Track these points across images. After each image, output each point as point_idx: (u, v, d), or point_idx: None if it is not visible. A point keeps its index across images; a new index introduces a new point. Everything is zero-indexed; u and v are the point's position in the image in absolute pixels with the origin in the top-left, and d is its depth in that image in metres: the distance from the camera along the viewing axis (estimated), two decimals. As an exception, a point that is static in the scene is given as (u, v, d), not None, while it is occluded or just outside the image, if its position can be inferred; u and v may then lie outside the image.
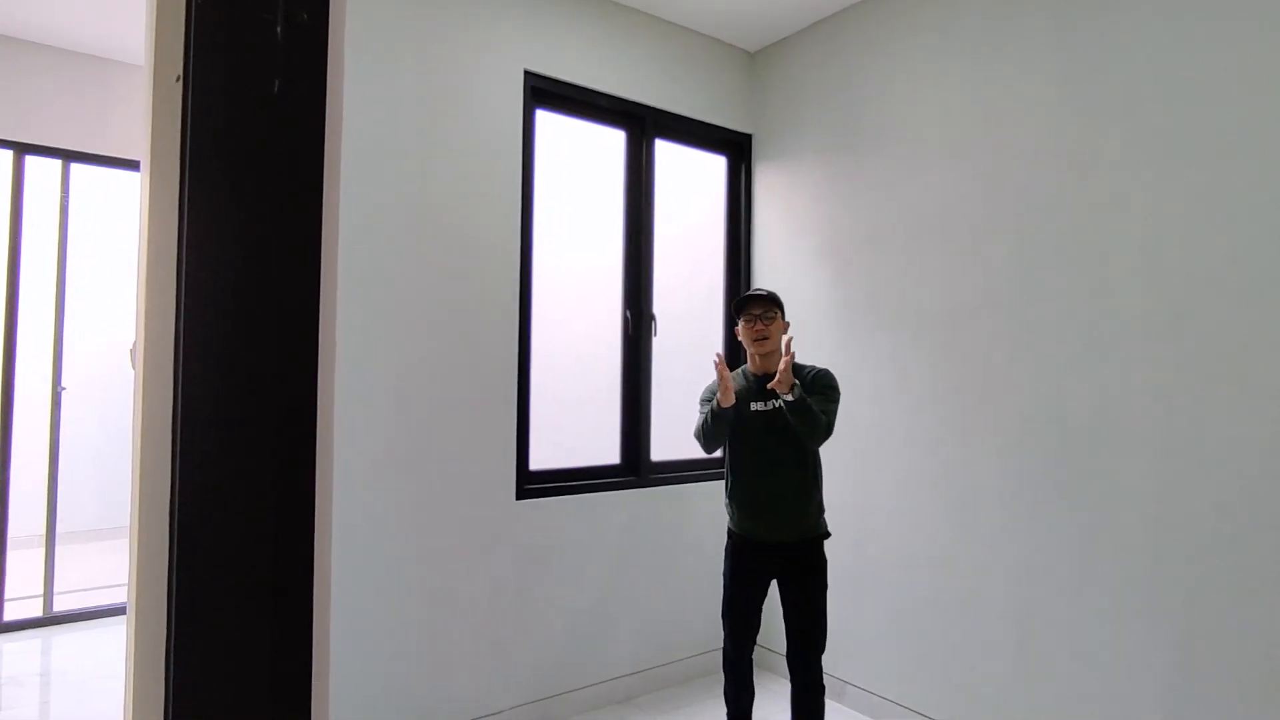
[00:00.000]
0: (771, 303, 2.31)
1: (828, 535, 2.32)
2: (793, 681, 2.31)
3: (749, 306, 2.32)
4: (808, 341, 3.19)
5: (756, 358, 2.35)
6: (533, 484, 2.85)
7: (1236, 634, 1.95)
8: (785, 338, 2.24)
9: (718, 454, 2.46)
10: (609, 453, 3.16)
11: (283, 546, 0.80)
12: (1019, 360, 2.45)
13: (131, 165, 3.99)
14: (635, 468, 3.16)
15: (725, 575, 2.41)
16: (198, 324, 0.83)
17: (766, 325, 2.29)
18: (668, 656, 3.17)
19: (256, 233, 0.85)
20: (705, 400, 2.39)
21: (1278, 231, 1.90)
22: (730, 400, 2.22)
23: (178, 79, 0.84)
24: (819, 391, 2.26)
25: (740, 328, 2.35)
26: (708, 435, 2.29)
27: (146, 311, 0.84)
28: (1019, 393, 2.45)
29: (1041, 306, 2.39)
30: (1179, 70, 2.09)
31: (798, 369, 2.34)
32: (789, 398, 2.10)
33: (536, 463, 2.89)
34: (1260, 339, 1.93)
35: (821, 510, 2.33)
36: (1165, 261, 2.11)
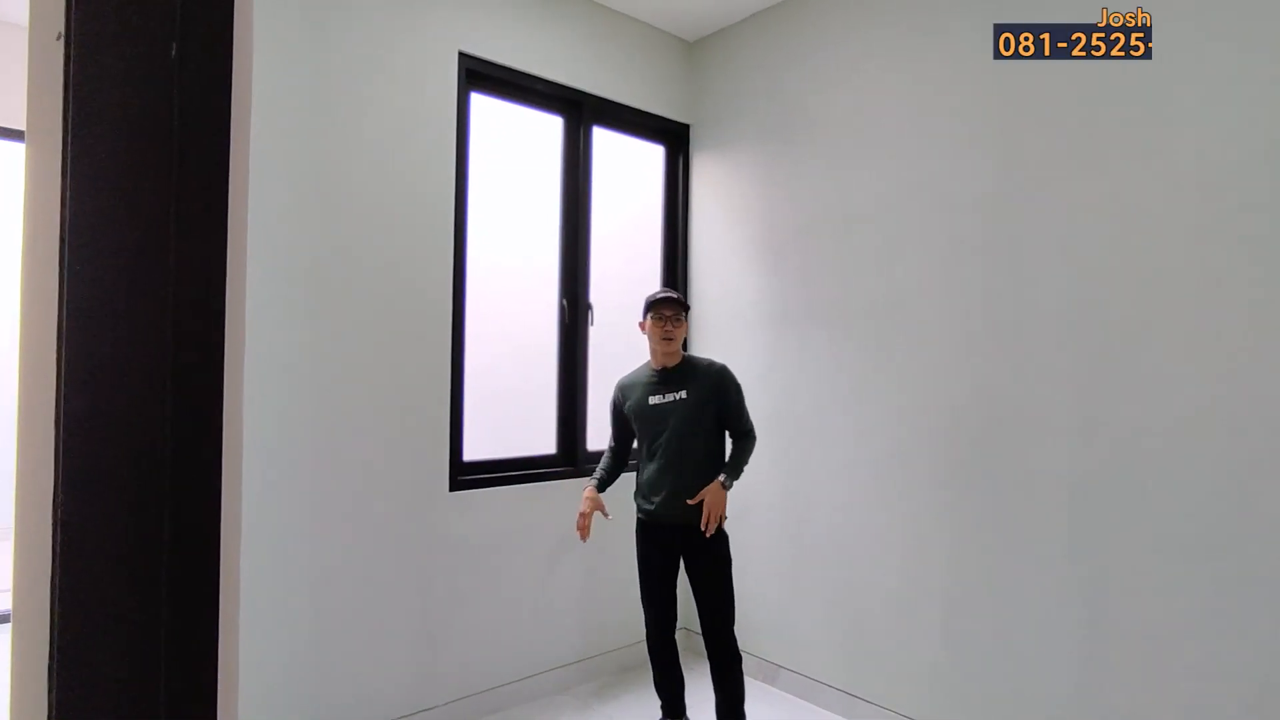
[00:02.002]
0: (681, 307, 2.47)
1: (725, 517, 2.43)
2: (709, 656, 2.42)
3: (661, 307, 2.44)
4: (743, 333, 3.22)
5: (659, 354, 2.48)
6: (467, 475, 2.80)
7: (1142, 611, 2.07)
8: (709, 514, 2.36)
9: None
10: (545, 442, 3.12)
11: (182, 545, 0.75)
12: (947, 351, 2.54)
13: (19, 136, 3.70)
14: (572, 457, 3.14)
15: (638, 560, 2.53)
16: (83, 310, 0.76)
17: (675, 328, 2.44)
18: (605, 646, 3.17)
19: (152, 213, 0.78)
20: (611, 414, 2.63)
21: (1184, 229, 2.02)
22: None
23: (58, 36, 0.77)
24: (733, 404, 2.47)
25: (649, 324, 2.48)
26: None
27: (26, 295, 0.77)
28: (947, 382, 2.54)
29: (968, 299, 2.48)
30: (1095, 76, 2.18)
31: (694, 363, 2.51)
32: (729, 488, 2.40)
33: (471, 453, 2.84)
34: (1168, 329, 2.04)
35: None
36: (1081, 256, 2.21)
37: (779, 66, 3.12)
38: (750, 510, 3.14)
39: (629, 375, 2.59)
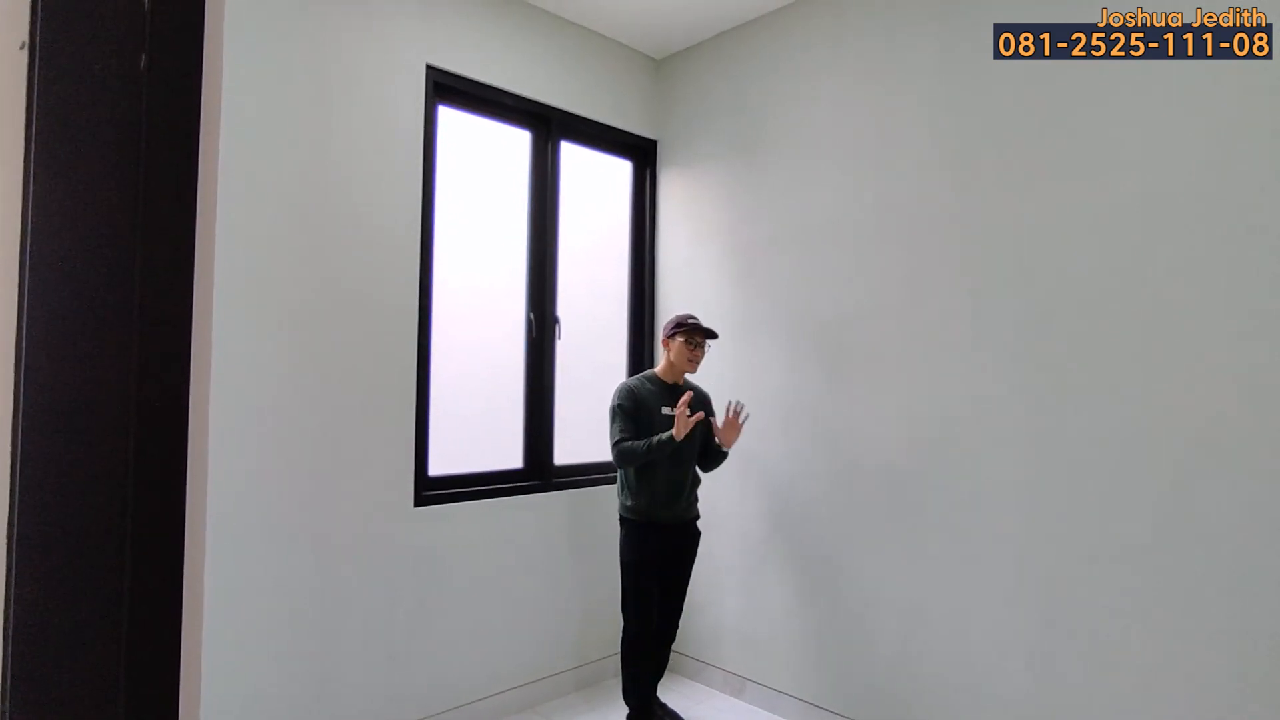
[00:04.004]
0: (710, 338, 2.71)
1: (699, 515, 2.82)
2: (659, 625, 2.72)
3: (695, 334, 2.67)
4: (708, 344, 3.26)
5: (676, 370, 2.73)
6: (432, 490, 2.77)
7: (1092, 608, 2.14)
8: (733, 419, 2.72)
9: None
10: (512, 457, 3.11)
11: (144, 559, 0.73)
12: (905, 362, 2.60)
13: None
14: (539, 471, 3.13)
15: (629, 561, 2.64)
16: (44, 323, 0.75)
17: (702, 355, 2.73)
18: (573, 661, 3.15)
19: (117, 225, 0.77)
20: (623, 413, 2.61)
21: (1133, 243, 2.11)
22: (681, 436, 2.51)
23: (22, 46, 0.76)
24: (712, 414, 2.80)
25: (678, 344, 2.69)
26: (635, 457, 2.54)
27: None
28: (904, 393, 2.60)
29: (925, 311, 2.55)
30: (1050, 93, 2.28)
31: (690, 384, 2.78)
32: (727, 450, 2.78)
33: (436, 468, 2.81)
34: (1117, 340, 2.13)
35: (698, 497, 2.82)
36: (1033, 269, 2.29)
37: (744, 84, 3.19)
38: (715, 523, 3.16)
39: (634, 383, 2.72)
